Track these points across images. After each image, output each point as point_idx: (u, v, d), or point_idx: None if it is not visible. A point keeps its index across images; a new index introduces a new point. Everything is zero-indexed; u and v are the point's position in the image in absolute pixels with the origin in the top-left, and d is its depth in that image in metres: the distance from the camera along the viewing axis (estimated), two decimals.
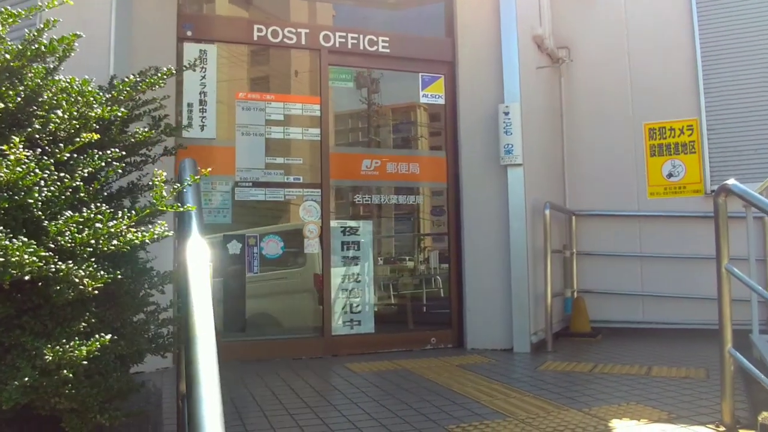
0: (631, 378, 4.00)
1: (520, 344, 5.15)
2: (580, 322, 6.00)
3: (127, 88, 2.30)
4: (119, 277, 1.67)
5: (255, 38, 5.13)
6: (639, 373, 4.14)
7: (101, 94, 2.13)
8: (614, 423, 2.97)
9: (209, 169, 2.50)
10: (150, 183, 2.29)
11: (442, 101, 5.66)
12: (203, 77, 4.98)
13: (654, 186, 6.23)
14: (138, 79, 2.37)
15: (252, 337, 5.08)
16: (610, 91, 6.42)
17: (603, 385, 3.82)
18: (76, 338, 1.52)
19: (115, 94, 2.24)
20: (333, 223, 5.27)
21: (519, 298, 5.22)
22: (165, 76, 2.39)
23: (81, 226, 1.62)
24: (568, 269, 6.20)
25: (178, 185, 2.08)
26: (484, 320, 5.35)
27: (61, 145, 1.83)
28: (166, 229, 1.80)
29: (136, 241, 1.71)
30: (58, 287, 1.53)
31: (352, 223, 5.41)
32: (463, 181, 5.54)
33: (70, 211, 1.64)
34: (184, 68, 2.68)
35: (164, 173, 1.95)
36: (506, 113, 5.38)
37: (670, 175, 6.19)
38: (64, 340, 1.51)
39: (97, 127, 1.97)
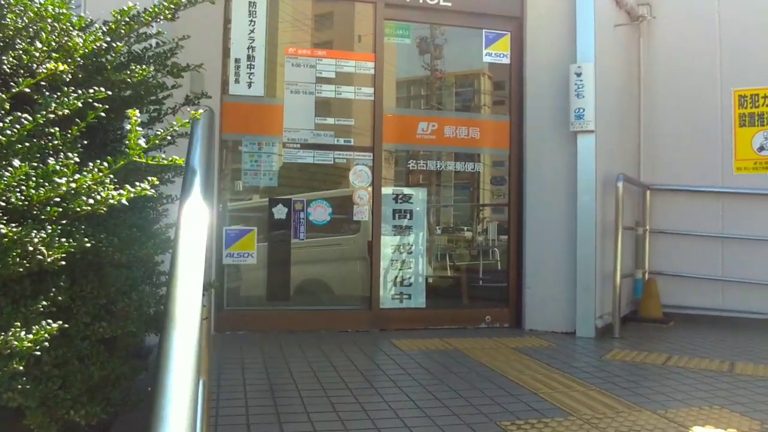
0: (712, 375, 3.54)
1: (584, 328, 4.73)
2: (650, 307, 5.52)
3: (126, 18, 1.97)
4: (91, 244, 1.38)
5: None
6: (720, 369, 3.68)
7: (83, 17, 1.82)
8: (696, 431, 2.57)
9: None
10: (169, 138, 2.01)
11: (507, 60, 5.19)
12: (252, 31, 4.67)
13: (742, 160, 5.60)
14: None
15: (296, 306, 4.84)
16: (695, 52, 5.77)
17: (679, 381, 3.39)
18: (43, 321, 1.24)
19: (113, 26, 1.93)
20: (385, 190, 4.93)
21: (585, 278, 4.79)
22: (173, 6, 2.06)
23: (43, 181, 1.33)
24: (640, 248, 5.69)
25: (161, 132, 1.75)
26: (544, 300, 4.95)
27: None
28: (146, 186, 1.48)
29: (113, 201, 1.41)
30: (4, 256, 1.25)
31: (405, 190, 5.06)
32: (528, 148, 5.09)
33: (21, 162, 1.33)
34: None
35: (137, 112, 1.59)
36: (578, 74, 4.88)
37: (761, 149, 5.54)
38: (18, 324, 1.23)
39: (82, 62, 1.68)
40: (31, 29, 1.63)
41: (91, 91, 1.53)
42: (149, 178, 1.46)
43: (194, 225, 1.24)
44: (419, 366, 3.68)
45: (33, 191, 1.30)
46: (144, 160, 1.51)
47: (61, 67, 1.52)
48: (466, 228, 5.60)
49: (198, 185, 1.39)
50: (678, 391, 3.17)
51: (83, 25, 1.84)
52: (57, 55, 1.59)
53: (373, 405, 2.89)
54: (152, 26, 2.39)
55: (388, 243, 4.91)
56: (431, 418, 2.70)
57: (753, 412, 2.83)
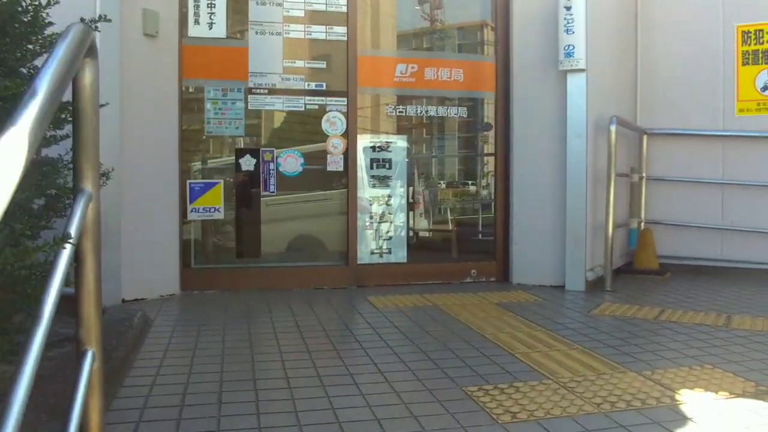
0: (707, 330, 3.28)
1: (574, 281, 4.47)
2: (645, 257, 5.24)
3: None
4: None
5: None
6: (716, 324, 3.41)
7: None
8: (682, 395, 2.30)
9: None
10: None
11: None
12: None
13: (745, 101, 5.24)
14: None
15: (268, 264, 4.57)
16: None
17: (670, 338, 3.13)
18: None
19: None
20: (361, 138, 4.60)
21: (575, 228, 4.50)
22: None
23: None
24: (635, 196, 5.38)
25: None
26: (533, 252, 4.68)
27: None
28: None
29: None
30: None
31: (383, 138, 4.74)
32: (515, 91, 4.74)
33: None
34: None
35: None
36: (568, 8, 4.49)
37: (765, 88, 5.17)
38: None
39: None
40: None
41: None
42: None
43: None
44: (391, 325, 3.42)
45: None
46: None
47: None
48: (449, 179, 5.28)
49: (32, 111, 1.09)
50: (668, 349, 2.92)
51: None
52: None
53: (329, 370, 2.63)
54: None
55: (365, 195, 4.62)
56: (391, 384, 2.44)
57: (748, 371, 2.57)
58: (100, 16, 2.43)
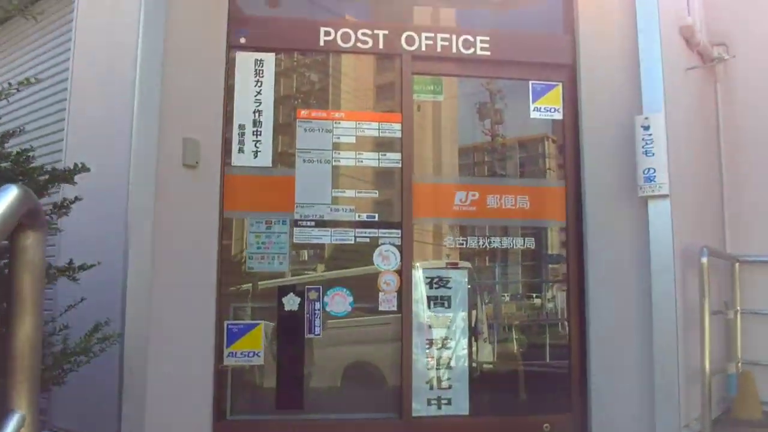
0: None
1: None
2: (747, 406, 4.49)
3: None
4: None
5: (321, 43, 4.14)
6: None
7: None
8: None
9: None
10: None
11: (559, 116, 4.41)
12: (258, 92, 4.06)
13: None
14: None
15: (311, 415, 4.03)
16: None
17: None
18: None
19: None
20: (416, 273, 4.15)
21: (665, 375, 3.85)
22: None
23: None
24: (730, 334, 4.70)
25: None
26: (615, 403, 4.02)
27: None
28: None
29: None
30: None
31: (441, 273, 4.26)
32: (588, 219, 4.25)
33: None
34: None
35: None
36: (646, 127, 4.05)
37: None
38: None
39: None
40: None
41: None
42: None
43: None
44: None
45: None
46: None
47: None
48: (517, 317, 4.69)
49: None
50: None
51: None
52: None
53: None
54: None
55: (421, 337, 4.10)
56: None
57: None
58: (75, 165, 2.15)
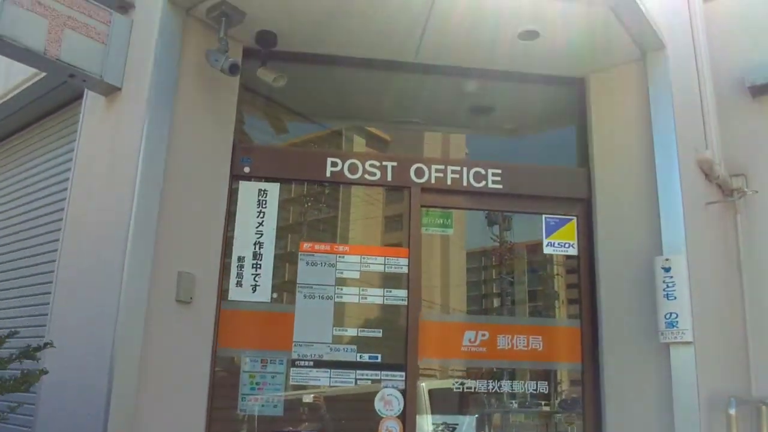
0: None
1: None
2: None
3: None
4: None
5: (328, 174, 4.02)
6: None
7: None
8: None
9: None
10: None
11: (574, 251, 4.21)
12: (260, 224, 3.91)
13: None
14: None
15: None
16: None
17: None
18: None
19: None
20: (421, 420, 3.84)
21: None
22: None
23: None
24: None
25: None
26: None
27: None
28: None
29: None
30: None
31: (448, 419, 3.95)
32: (605, 364, 3.97)
33: None
34: None
35: None
36: (666, 269, 3.84)
37: None
38: None
39: None
40: None
41: None
42: None
43: None
44: None
45: None
46: None
47: None
48: None
49: None
50: None
51: None
52: None
53: None
54: None
55: None
56: None
57: None
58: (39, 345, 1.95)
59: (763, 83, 4.82)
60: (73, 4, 3.71)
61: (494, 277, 4.60)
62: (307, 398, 3.85)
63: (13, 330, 2.82)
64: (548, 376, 4.14)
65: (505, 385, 4.06)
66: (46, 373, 3.07)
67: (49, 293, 4.06)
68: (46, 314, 3.98)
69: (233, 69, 3.60)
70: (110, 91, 3.90)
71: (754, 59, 4.94)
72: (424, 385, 3.94)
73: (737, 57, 5.02)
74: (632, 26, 3.92)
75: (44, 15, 3.60)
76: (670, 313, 3.78)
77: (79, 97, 4.36)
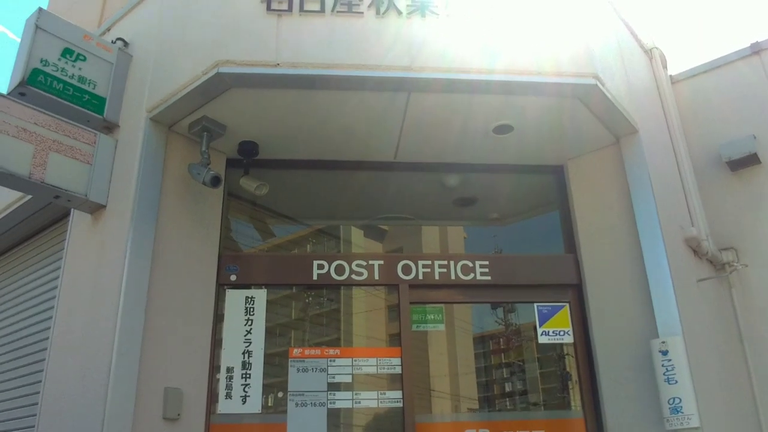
0: None
1: None
2: None
3: None
4: None
5: (315, 277, 4.01)
6: None
7: None
8: None
9: None
10: None
11: (570, 339, 4.13)
12: (248, 332, 3.86)
13: None
14: None
15: None
16: None
17: None
18: None
19: None
20: None
21: None
22: None
23: None
24: None
25: None
26: None
27: None
28: None
29: None
30: None
31: None
32: None
33: None
34: None
35: None
36: (664, 352, 3.76)
37: None
38: None
39: None
40: None
41: None
42: None
43: None
44: None
45: None
46: None
47: None
48: None
49: None
50: None
51: None
52: None
53: None
54: None
55: None
56: None
57: None
58: None
59: (739, 158, 4.89)
60: (59, 129, 3.82)
61: (494, 367, 4.49)
62: None
63: None
64: None
65: None
66: None
67: (35, 415, 3.95)
68: None
69: (215, 182, 3.66)
70: (95, 208, 3.95)
71: (727, 135, 5.04)
72: None
73: (711, 134, 5.13)
74: (602, 114, 4.02)
75: (30, 141, 3.71)
76: (674, 398, 3.66)
77: (66, 215, 4.41)
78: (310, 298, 4.16)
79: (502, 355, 4.54)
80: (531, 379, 4.46)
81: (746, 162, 4.94)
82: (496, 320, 4.52)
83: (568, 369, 4.27)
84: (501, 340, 4.48)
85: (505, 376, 4.51)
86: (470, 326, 4.41)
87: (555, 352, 4.35)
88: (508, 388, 4.51)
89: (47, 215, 4.71)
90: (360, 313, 4.19)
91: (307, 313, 4.13)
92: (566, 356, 4.30)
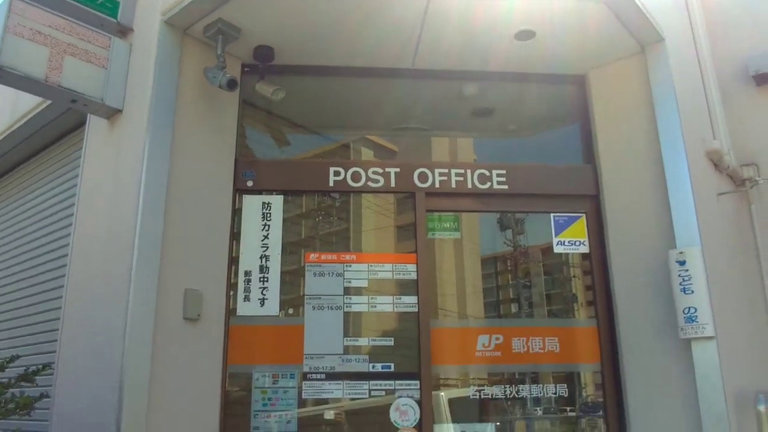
0: None
1: None
2: None
3: None
4: None
5: (331, 184, 4.01)
6: None
7: None
8: None
9: None
10: None
11: (585, 249, 4.14)
12: (266, 237, 3.89)
13: None
14: None
15: None
16: None
17: None
18: None
19: None
20: (440, 429, 3.76)
21: None
22: None
23: None
24: None
25: None
26: None
27: None
28: None
29: None
30: None
31: (467, 428, 3.86)
32: (625, 363, 3.87)
33: None
34: None
35: None
36: (681, 262, 3.75)
37: None
38: None
39: None
40: None
41: None
42: None
43: None
44: None
45: None
46: None
47: None
48: None
49: None
50: None
51: None
52: None
53: None
54: None
55: None
56: None
57: None
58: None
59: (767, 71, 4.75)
60: (73, 32, 3.77)
61: (507, 281, 4.52)
62: (322, 413, 3.79)
63: (14, 355, 2.80)
64: (568, 378, 4.03)
65: (524, 390, 3.96)
66: (46, 398, 3.04)
67: (58, 319, 4.06)
68: (56, 340, 3.97)
69: (231, 84, 3.62)
70: (112, 113, 3.93)
71: (756, 48, 4.88)
72: (443, 395, 3.86)
73: (739, 46, 4.97)
74: (629, 20, 3.89)
75: (45, 44, 3.67)
76: (689, 308, 3.68)
77: (82, 123, 4.41)
78: (326, 205, 4.17)
79: (513, 273, 4.54)
80: (545, 295, 4.48)
81: None
82: (505, 241, 4.50)
83: (575, 291, 4.31)
84: (516, 258, 4.48)
85: (519, 290, 4.53)
86: (488, 240, 4.40)
87: (567, 269, 4.37)
88: (523, 301, 4.53)
89: (63, 124, 4.72)
90: (376, 221, 4.20)
91: (325, 221, 4.14)
92: (573, 278, 4.34)
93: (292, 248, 3.97)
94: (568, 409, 4.12)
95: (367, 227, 4.16)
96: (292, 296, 3.88)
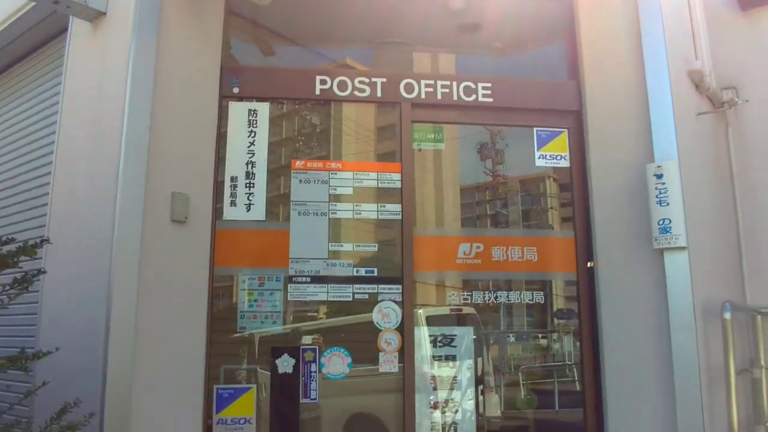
0: None
1: None
2: None
3: None
4: None
5: (317, 92, 4.01)
6: None
7: None
8: None
9: None
10: None
11: (566, 163, 4.23)
12: (251, 143, 3.91)
13: None
14: None
15: None
16: None
17: None
18: None
19: None
20: (419, 331, 3.90)
21: None
22: None
23: None
24: (757, 395, 4.37)
25: None
26: None
27: None
28: None
29: None
30: None
31: (445, 330, 4.01)
32: (600, 272, 4.01)
33: None
34: None
35: None
36: (658, 176, 3.84)
37: None
38: None
39: None
40: None
41: None
42: None
43: None
44: None
45: None
46: None
47: None
48: (524, 380, 4.40)
49: None
50: None
51: None
52: None
53: None
54: None
55: (425, 401, 3.83)
56: None
57: None
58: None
59: None
60: None
61: (489, 198, 4.62)
62: (308, 314, 3.91)
63: (9, 237, 2.81)
64: (544, 287, 4.18)
65: (501, 296, 4.11)
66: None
67: (44, 226, 4.08)
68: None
69: None
70: (95, 16, 3.88)
71: None
72: (422, 312, 3.99)
73: None
74: None
75: None
76: (663, 219, 3.80)
77: (63, 30, 4.33)
78: (312, 113, 4.18)
79: (499, 191, 4.61)
80: (524, 211, 4.58)
81: (759, 1, 4.82)
82: (485, 171, 4.55)
83: (552, 205, 4.40)
84: (497, 171, 4.56)
85: (499, 208, 4.62)
86: (472, 150, 4.46)
87: (550, 183, 4.47)
88: (503, 216, 4.63)
89: (44, 30, 4.63)
90: (361, 130, 4.23)
91: (310, 129, 4.17)
92: (551, 197, 4.43)
93: (278, 155, 4.00)
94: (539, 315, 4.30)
95: (352, 136, 4.19)
96: (278, 202, 3.94)
